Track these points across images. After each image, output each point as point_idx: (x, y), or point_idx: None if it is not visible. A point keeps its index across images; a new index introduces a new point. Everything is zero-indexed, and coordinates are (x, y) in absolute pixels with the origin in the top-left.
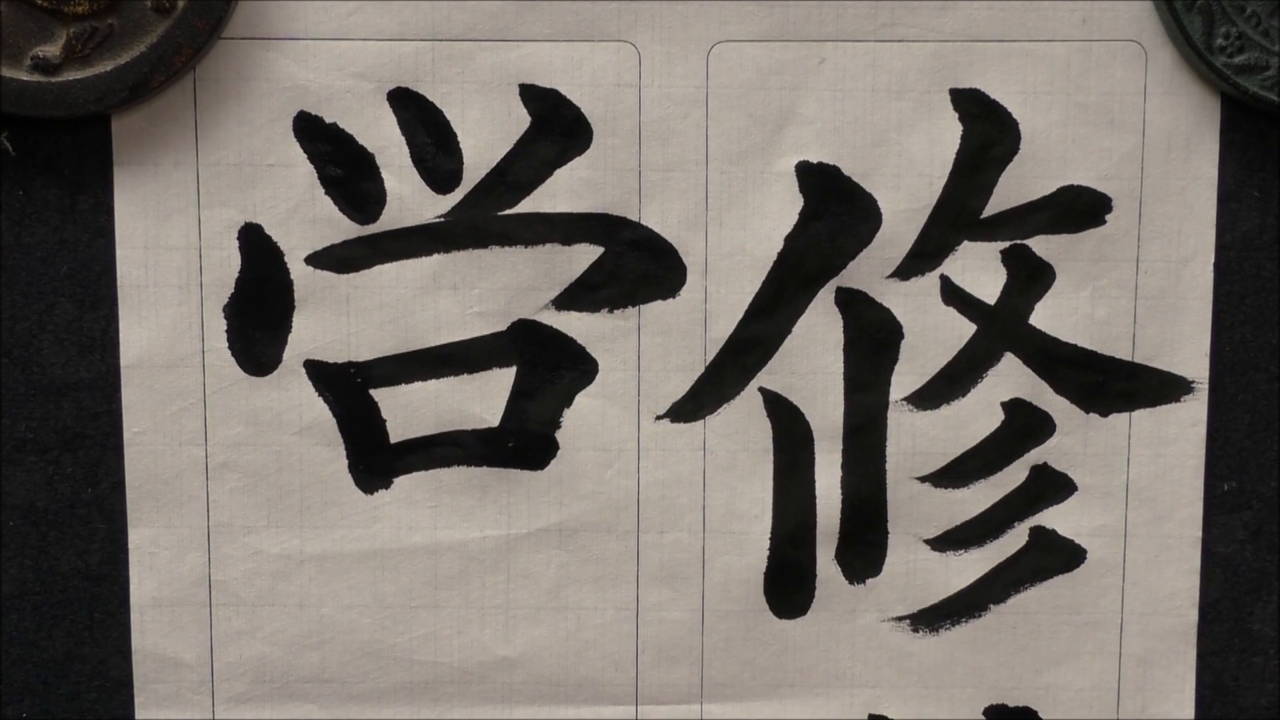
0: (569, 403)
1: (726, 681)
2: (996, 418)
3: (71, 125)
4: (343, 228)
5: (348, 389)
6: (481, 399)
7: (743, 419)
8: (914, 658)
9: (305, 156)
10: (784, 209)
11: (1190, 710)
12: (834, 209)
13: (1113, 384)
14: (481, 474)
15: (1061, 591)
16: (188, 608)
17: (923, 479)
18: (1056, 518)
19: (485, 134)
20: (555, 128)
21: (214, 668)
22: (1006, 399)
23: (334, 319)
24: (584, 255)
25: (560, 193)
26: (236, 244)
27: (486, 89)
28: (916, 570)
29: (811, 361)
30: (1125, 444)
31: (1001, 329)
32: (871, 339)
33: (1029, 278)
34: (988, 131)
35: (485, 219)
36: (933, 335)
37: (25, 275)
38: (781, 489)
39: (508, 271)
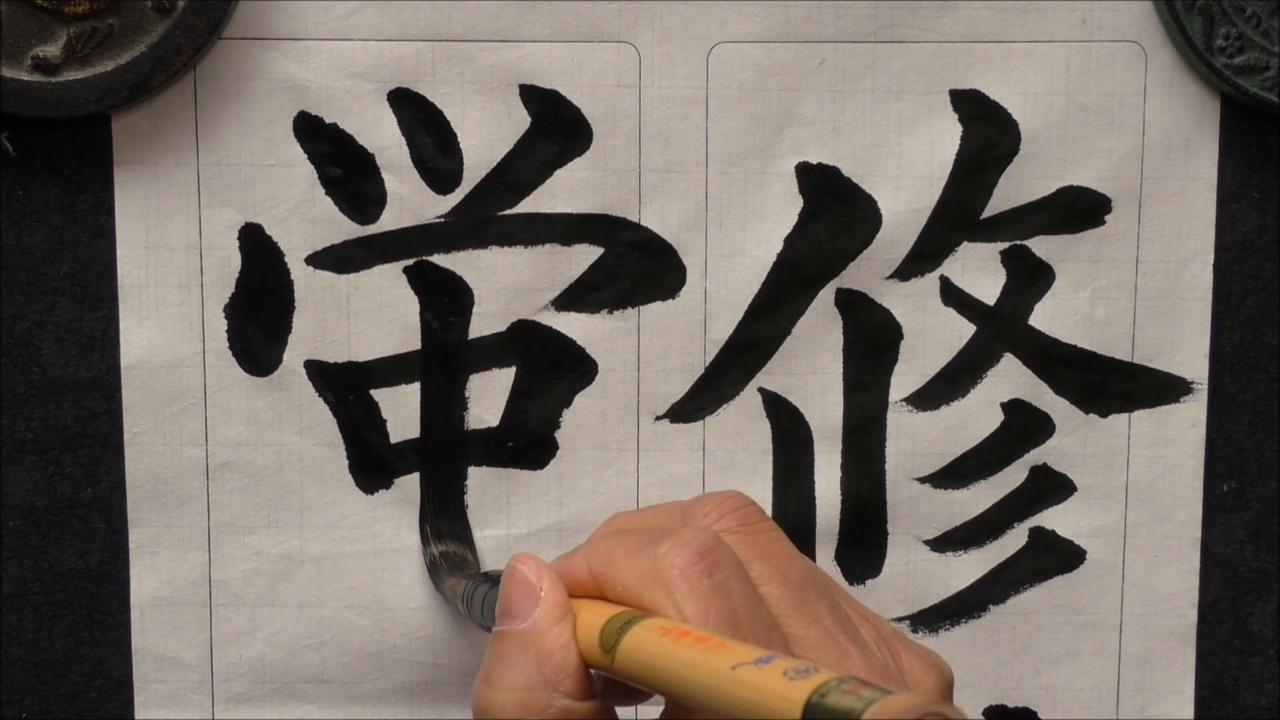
0: (568, 403)
1: None
2: (996, 418)
3: (71, 125)
4: (343, 228)
5: (348, 389)
6: (481, 399)
7: (742, 420)
8: None
9: (305, 156)
10: (783, 210)
11: (1190, 710)
12: (834, 210)
13: (1112, 384)
14: (481, 474)
15: (1061, 592)
16: (188, 608)
17: (922, 480)
18: (1056, 518)
19: (485, 134)
20: (555, 128)
21: (214, 668)
22: (1006, 399)
23: (334, 319)
24: (584, 256)
25: (560, 193)
26: (237, 244)
27: (486, 89)
28: (916, 571)
29: (811, 362)
30: (1125, 445)
31: (1001, 329)
32: (871, 340)
33: (1028, 278)
34: (987, 132)
35: (485, 219)
36: (932, 336)
37: (25, 275)
38: (781, 489)
39: (507, 272)
